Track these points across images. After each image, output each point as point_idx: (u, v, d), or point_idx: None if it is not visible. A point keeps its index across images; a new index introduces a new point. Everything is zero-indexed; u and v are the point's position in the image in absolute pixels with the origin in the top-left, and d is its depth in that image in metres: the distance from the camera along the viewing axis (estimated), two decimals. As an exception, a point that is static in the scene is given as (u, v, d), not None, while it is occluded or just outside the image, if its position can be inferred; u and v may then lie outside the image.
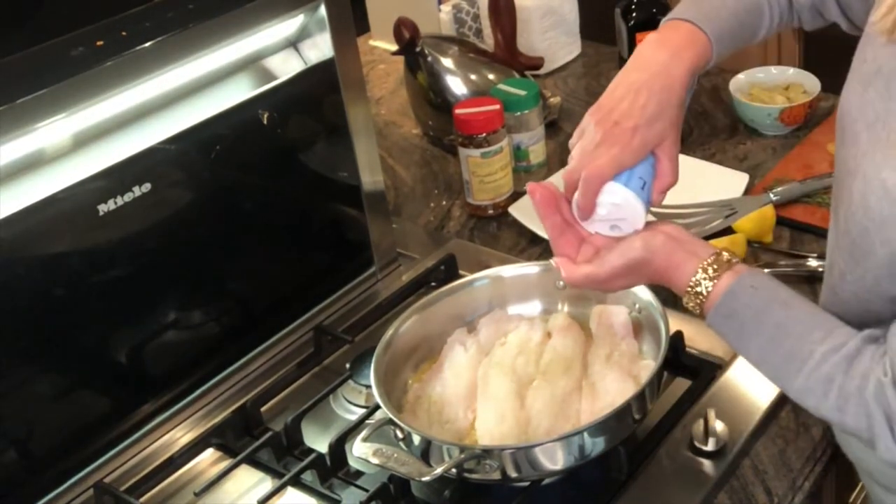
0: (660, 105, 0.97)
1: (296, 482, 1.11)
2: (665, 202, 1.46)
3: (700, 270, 0.95)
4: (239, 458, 1.13)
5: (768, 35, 1.11)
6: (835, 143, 1.00)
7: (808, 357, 0.90)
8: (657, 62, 0.99)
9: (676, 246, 0.97)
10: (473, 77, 1.70)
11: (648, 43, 1.02)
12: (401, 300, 1.36)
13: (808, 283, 1.32)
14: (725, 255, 0.96)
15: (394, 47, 1.73)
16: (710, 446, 1.09)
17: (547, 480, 1.08)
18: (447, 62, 1.71)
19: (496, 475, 1.01)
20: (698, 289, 0.95)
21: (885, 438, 0.87)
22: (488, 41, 1.94)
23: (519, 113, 1.56)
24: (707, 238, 1.37)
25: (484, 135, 1.49)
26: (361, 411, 1.18)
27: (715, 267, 0.94)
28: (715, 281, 0.94)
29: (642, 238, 0.98)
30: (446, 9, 1.98)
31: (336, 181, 1.37)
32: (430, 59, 1.70)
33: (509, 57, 1.83)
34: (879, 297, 0.92)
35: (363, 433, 1.04)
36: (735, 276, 0.94)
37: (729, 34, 1.05)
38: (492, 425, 1.07)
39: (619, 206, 0.97)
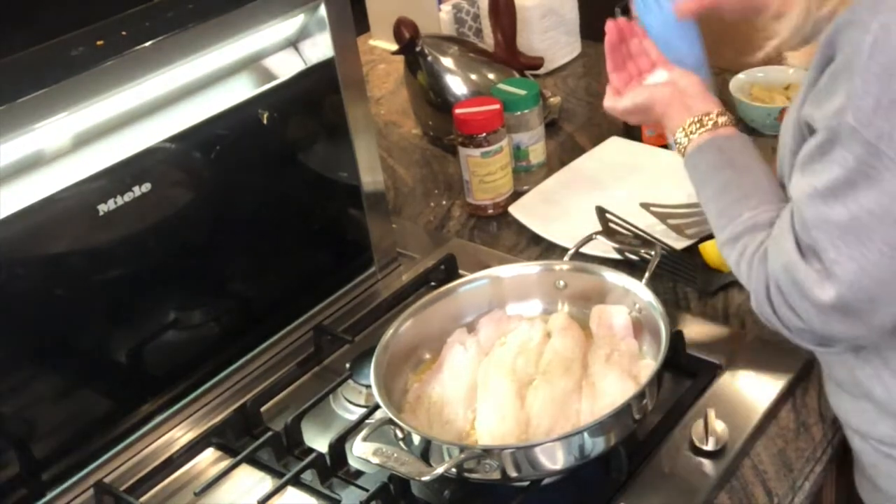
0: None
1: (296, 482, 1.11)
2: (665, 202, 1.47)
3: (686, 125, 1.10)
4: (239, 457, 1.13)
5: None
6: None
7: (735, 217, 1.03)
8: None
9: (677, 98, 1.13)
10: (473, 77, 1.70)
11: None
12: (401, 300, 1.36)
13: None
14: (714, 115, 1.10)
15: (394, 47, 1.73)
16: (710, 446, 1.09)
17: (547, 480, 1.08)
18: (447, 62, 1.71)
19: (496, 475, 1.01)
20: (678, 138, 1.11)
21: (759, 293, 0.99)
22: (488, 41, 1.94)
23: (519, 113, 1.56)
24: (707, 238, 1.37)
25: (484, 135, 1.49)
26: (361, 411, 1.18)
27: (697, 125, 1.10)
28: (691, 137, 1.10)
29: (655, 86, 1.18)
30: (446, 9, 1.98)
31: (336, 181, 1.37)
32: (430, 59, 1.70)
33: (509, 57, 1.83)
34: None
35: (363, 433, 1.04)
36: (711, 135, 1.09)
37: None
38: (492, 425, 1.07)
39: None
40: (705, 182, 1.09)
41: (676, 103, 1.13)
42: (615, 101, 1.21)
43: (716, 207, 1.07)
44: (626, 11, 1.60)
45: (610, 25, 1.24)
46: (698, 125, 1.10)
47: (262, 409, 1.22)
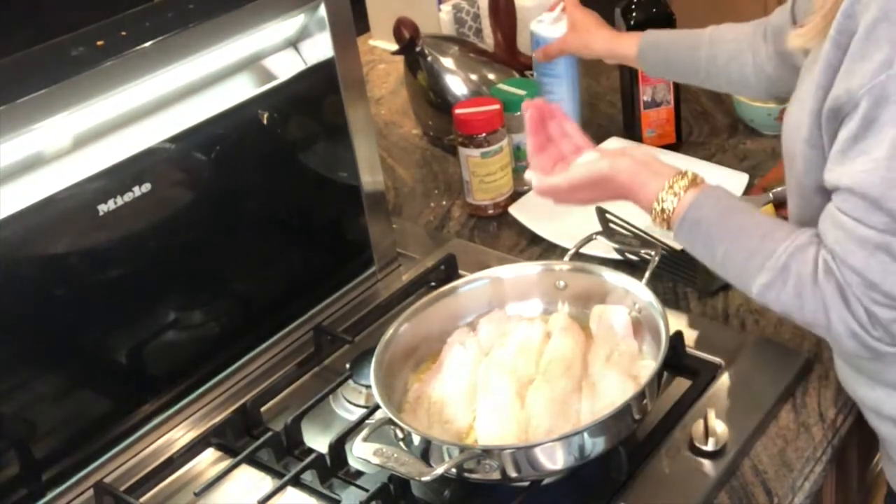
0: None
1: (296, 482, 1.11)
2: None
3: (666, 187, 1.03)
4: (239, 458, 1.13)
5: (756, 68, 1.33)
6: None
7: (771, 253, 0.97)
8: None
9: (642, 167, 1.06)
10: (473, 77, 1.70)
11: None
12: (401, 300, 1.36)
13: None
14: (690, 173, 1.04)
15: (394, 47, 1.73)
16: (710, 446, 1.09)
17: (547, 480, 1.08)
18: (447, 62, 1.71)
19: (496, 475, 1.01)
20: (664, 205, 1.03)
21: (839, 309, 0.93)
22: (488, 41, 1.94)
23: (519, 113, 1.55)
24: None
25: (484, 135, 1.50)
26: (361, 411, 1.18)
27: (680, 184, 1.03)
28: (679, 196, 1.02)
29: (610, 156, 1.08)
30: (446, 9, 1.98)
31: (336, 181, 1.37)
32: (430, 59, 1.70)
33: (509, 57, 1.83)
34: (809, 204, 1.00)
35: (363, 433, 1.04)
36: (699, 190, 1.02)
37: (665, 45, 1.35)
38: (492, 425, 1.07)
39: None
40: (716, 235, 1.01)
41: (643, 171, 1.05)
42: (552, 181, 1.10)
43: (741, 253, 0.99)
44: (627, 11, 1.61)
45: (528, 105, 1.15)
46: (681, 184, 1.03)
47: (262, 409, 1.22)
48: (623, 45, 1.45)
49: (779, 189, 1.46)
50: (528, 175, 1.13)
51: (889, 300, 0.91)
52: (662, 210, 1.03)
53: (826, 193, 0.97)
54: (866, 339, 0.93)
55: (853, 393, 1.11)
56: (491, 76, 1.70)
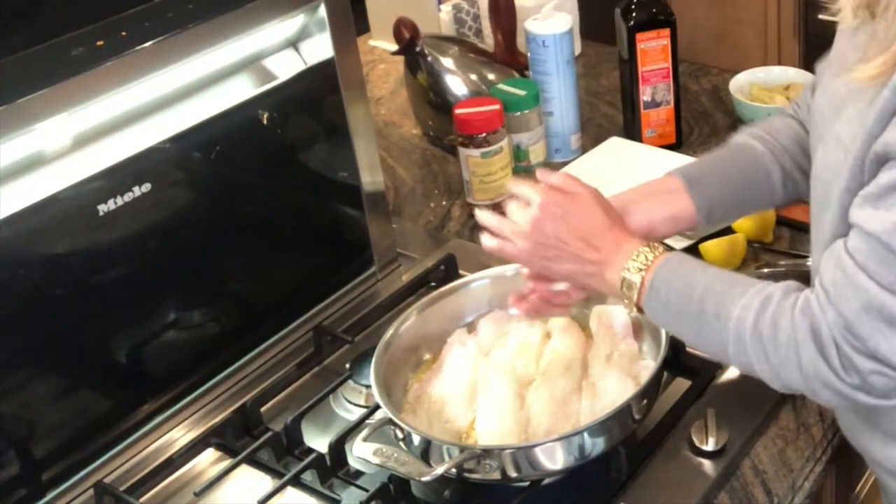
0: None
1: (296, 482, 1.11)
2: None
3: (630, 263, 1.00)
4: (239, 458, 1.13)
5: (784, 202, 1.18)
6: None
7: (752, 299, 0.94)
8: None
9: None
10: (473, 77, 1.70)
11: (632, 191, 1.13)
12: (401, 300, 1.36)
13: (808, 282, 1.32)
14: (647, 246, 1.00)
15: (394, 47, 1.73)
16: (710, 446, 1.09)
17: (547, 480, 1.08)
18: (447, 62, 1.71)
19: (496, 475, 1.01)
20: (629, 278, 1.00)
21: (808, 348, 0.90)
22: (488, 41, 1.93)
23: (519, 113, 1.55)
24: (707, 238, 1.37)
25: (484, 135, 1.49)
26: (361, 411, 1.18)
27: (645, 255, 0.99)
28: (643, 273, 0.99)
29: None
30: (446, 9, 1.98)
31: (336, 181, 1.37)
32: (430, 59, 1.70)
33: (509, 57, 1.83)
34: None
35: (363, 433, 1.04)
36: (661, 258, 0.99)
37: (720, 202, 1.13)
38: (492, 425, 1.07)
39: None
40: (686, 298, 0.97)
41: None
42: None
43: (717, 301, 0.95)
44: (627, 11, 1.61)
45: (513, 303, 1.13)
46: (647, 252, 1.00)
47: (262, 409, 1.22)
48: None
49: (779, 189, 1.46)
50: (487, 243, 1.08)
51: (869, 353, 0.88)
52: (629, 286, 1.00)
53: None
54: (838, 385, 0.90)
55: (862, 448, 1.08)
56: (491, 76, 1.70)
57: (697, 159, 1.19)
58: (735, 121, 1.71)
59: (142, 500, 1.12)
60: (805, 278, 1.32)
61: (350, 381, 1.23)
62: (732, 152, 1.16)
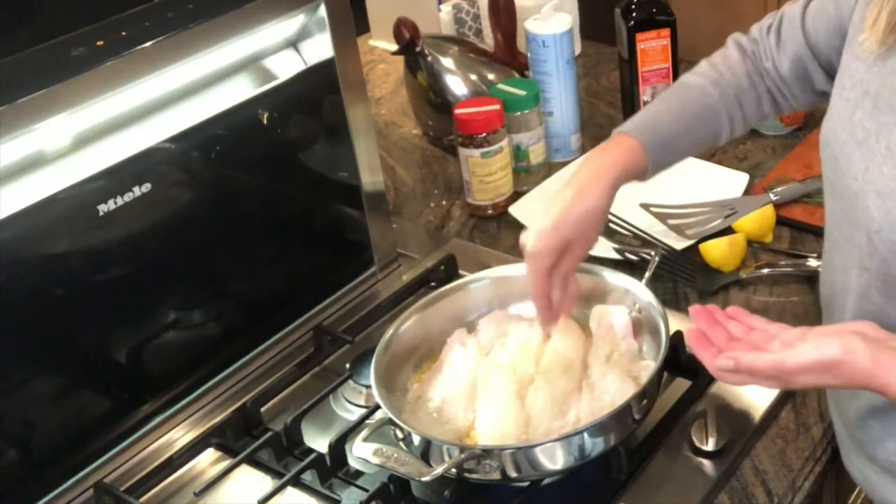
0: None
1: (296, 482, 1.11)
2: (666, 202, 1.47)
3: None
4: (239, 458, 1.13)
5: (735, 133, 1.18)
6: (824, 172, 1.02)
7: None
8: (579, 185, 1.07)
9: (880, 346, 0.87)
10: (473, 77, 1.70)
11: (582, 163, 1.11)
12: (401, 300, 1.36)
13: (809, 282, 1.32)
14: None
15: (394, 47, 1.73)
16: (710, 446, 1.09)
17: (547, 480, 1.08)
18: (447, 62, 1.71)
19: (496, 475, 1.01)
20: None
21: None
22: (488, 41, 1.94)
23: (519, 113, 1.56)
24: (707, 238, 1.38)
25: (484, 135, 1.49)
26: (361, 411, 1.18)
27: None
28: None
29: (838, 337, 0.89)
30: (446, 9, 1.98)
31: (336, 181, 1.37)
32: (430, 59, 1.70)
33: (509, 57, 1.83)
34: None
35: (363, 433, 1.04)
36: None
37: (670, 140, 1.13)
38: (492, 425, 1.07)
39: None
40: None
41: (886, 351, 0.87)
42: (762, 356, 0.91)
43: None
44: (627, 11, 1.61)
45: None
46: None
47: (262, 409, 1.22)
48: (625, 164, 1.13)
49: (779, 189, 1.46)
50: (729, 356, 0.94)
51: None
52: None
53: None
54: None
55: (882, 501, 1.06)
56: (491, 76, 1.70)
57: (653, 114, 1.16)
58: (735, 121, 1.71)
59: (142, 500, 1.12)
60: (805, 278, 1.33)
61: (350, 381, 1.23)
62: (692, 106, 1.16)
